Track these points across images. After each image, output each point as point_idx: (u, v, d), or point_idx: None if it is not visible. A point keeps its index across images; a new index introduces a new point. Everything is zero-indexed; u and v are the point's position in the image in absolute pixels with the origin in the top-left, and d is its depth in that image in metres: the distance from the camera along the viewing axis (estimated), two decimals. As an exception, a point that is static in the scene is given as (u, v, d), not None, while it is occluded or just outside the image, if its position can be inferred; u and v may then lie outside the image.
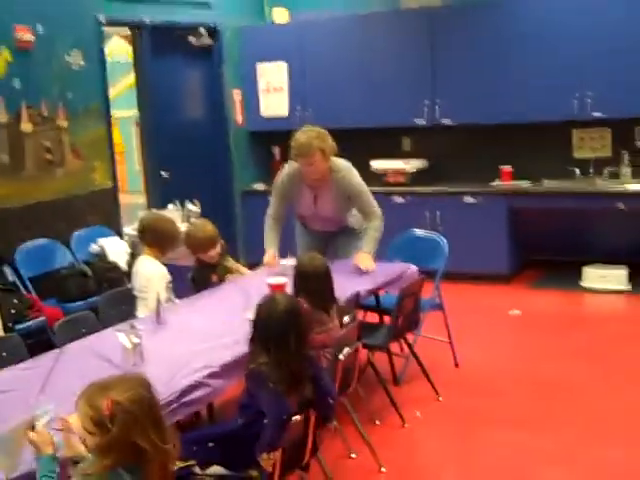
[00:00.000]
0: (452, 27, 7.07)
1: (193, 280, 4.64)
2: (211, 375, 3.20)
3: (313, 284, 3.69)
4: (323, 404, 3.09)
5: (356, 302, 4.37)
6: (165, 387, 3.00)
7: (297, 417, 2.89)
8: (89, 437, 2.13)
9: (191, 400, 3.08)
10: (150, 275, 4.26)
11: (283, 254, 4.97)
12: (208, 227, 4.63)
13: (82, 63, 6.04)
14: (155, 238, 4.39)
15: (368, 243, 4.82)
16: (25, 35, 5.51)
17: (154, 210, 6.36)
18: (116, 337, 3.33)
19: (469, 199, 6.98)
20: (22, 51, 5.53)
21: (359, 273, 4.63)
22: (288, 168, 4.91)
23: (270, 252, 4.86)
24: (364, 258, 4.72)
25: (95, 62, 6.19)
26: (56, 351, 3.50)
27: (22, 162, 5.60)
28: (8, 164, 5.46)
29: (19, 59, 5.51)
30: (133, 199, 7.08)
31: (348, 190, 4.79)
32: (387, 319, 4.74)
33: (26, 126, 5.59)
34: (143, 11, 6.63)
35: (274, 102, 7.80)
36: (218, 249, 4.64)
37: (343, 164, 4.84)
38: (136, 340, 3.24)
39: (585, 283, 6.76)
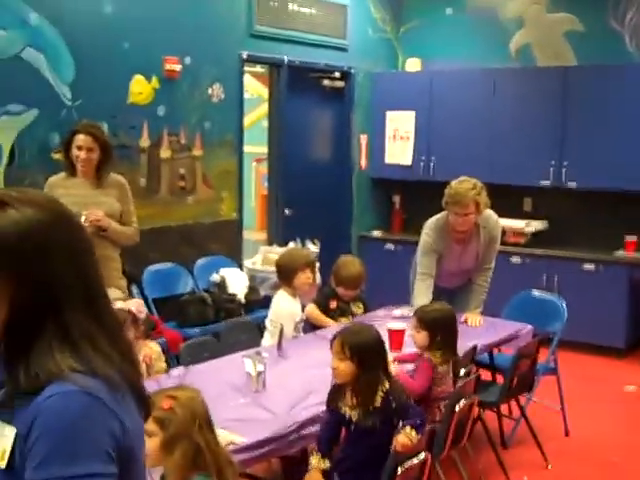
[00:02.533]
0: (585, 87, 6.97)
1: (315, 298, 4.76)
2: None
3: (445, 334, 3.72)
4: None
5: (472, 357, 4.33)
6: (285, 417, 3.06)
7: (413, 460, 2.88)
8: (151, 440, 2.21)
9: (309, 433, 3.12)
10: (280, 311, 4.35)
11: (398, 303, 5.02)
12: (358, 267, 4.74)
13: (222, 96, 6.26)
14: (282, 271, 4.49)
15: (477, 300, 4.80)
16: (173, 65, 5.75)
17: (275, 246, 6.49)
18: (241, 363, 3.41)
19: (589, 266, 6.83)
20: (169, 80, 5.78)
21: (478, 329, 4.60)
22: (435, 223, 4.87)
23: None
24: (475, 318, 4.70)
25: (233, 96, 6.40)
26: (181, 369, 3.61)
27: (157, 186, 5.82)
28: (145, 187, 5.69)
29: (165, 87, 5.76)
30: (246, 235, 7.24)
31: (491, 240, 4.77)
32: (500, 378, 4.68)
33: (165, 152, 5.82)
34: (283, 50, 6.83)
35: (399, 150, 7.87)
36: (355, 294, 4.75)
37: (492, 216, 4.82)
38: (260, 368, 3.30)
39: None
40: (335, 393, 3.11)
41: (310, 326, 4.68)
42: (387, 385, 3.04)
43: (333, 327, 4.56)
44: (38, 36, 4.95)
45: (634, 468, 4.49)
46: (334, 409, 3.08)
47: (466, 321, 4.68)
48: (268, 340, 4.24)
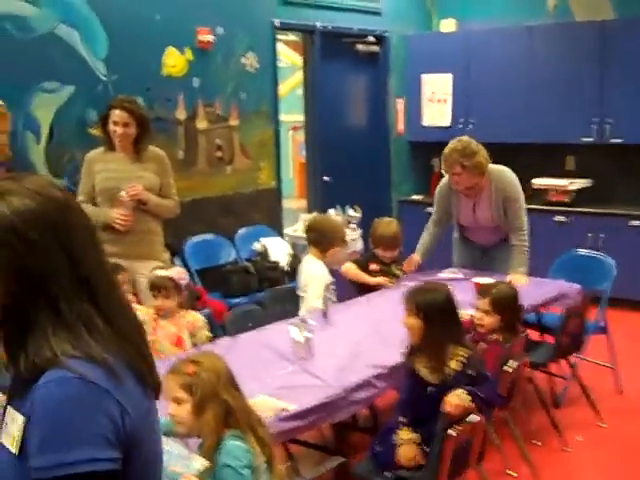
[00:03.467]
0: (625, 41, 6.79)
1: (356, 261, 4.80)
2: (379, 376, 3.20)
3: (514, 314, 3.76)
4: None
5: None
6: (334, 383, 3.04)
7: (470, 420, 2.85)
8: (181, 408, 2.27)
9: (359, 399, 3.10)
10: (311, 274, 4.33)
11: (441, 266, 4.98)
12: (394, 227, 4.78)
13: (256, 65, 6.21)
14: (318, 236, 4.46)
15: (520, 262, 4.73)
16: (206, 36, 5.71)
17: (315, 213, 6.45)
18: (287, 331, 3.39)
19: (635, 222, 6.69)
20: (202, 51, 5.74)
21: (524, 289, 4.53)
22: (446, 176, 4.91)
23: (413, 256, 4.92)
24: (519, 278, 4.64)
25: (267, 65, 6.35)
26: (228, 340, 3.61)
27: (195, 158, 5.82)
28: (183, 159, 5.68)
29: (199, 59, 5.73)
30: (286, 203, 7.26)
31: (506, 199, 4.74)
32: (549, 338, 4.62)
33: (201, 124, 5.81)
34: (315, 17, 6.75)
35: (436, 112, 7.76)
36: (396, 253, 4.76)
37: (503, 173, 4.77)
38: (308, 334, 3.28)
39: None
40: (411, 354, 3.10)
41: (352, 287, 4.68)
42: (466, 353, 3.02)
43: (380, 292, 4.55)
44: (71, 12, 4.94)
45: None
46: (411, 371, 3.06)
47: (510, 282, 4.62)
48: (305, 308, 4.21)
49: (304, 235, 4.71)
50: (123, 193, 4.11)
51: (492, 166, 4.76)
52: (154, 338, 3.57)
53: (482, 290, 3.89)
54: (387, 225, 4.82)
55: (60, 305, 1.25)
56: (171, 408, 2.30)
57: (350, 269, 4.72)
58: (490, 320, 3.70)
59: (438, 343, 3.02)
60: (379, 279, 4.66)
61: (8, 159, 3.96)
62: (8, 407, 1.26)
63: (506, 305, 3.72)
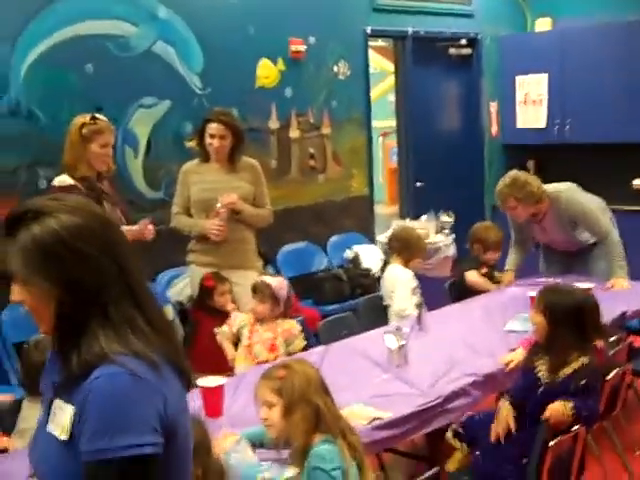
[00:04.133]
0: None
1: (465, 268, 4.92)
2: (474, 384, 3.18)
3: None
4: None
5: (621, 323, 4.16)
6: (429, 391, 3.04)
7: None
8: (272, 411, 2.31)
9: (453, 407, 3.09)
10: (396, 279, 4.35)
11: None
12: (498, 232, 4.97)
13: (347, 73, 6.25)
14: (401, 245, 4.53)
15: (618, 268, 4.63)
16: (298, 46, 5.79)
17: (407, 220, 6.45)
18: (380, 338, 3.41)
19: None
20: (294, 61, 5.82)
21: (626, 293, 4.43)
22: None
23: (509, 272, 4.95)
24: (621, 282, 4.56)
25: (359, 72, 6.38)
26: (322, 348, 3.64)
27: (288, 167, 5.90)
28: (275, 168, 5.77)
29: (291, 69, 5.81)
30: (376, 209, 7.29)
31: (572, 218, 4.72)
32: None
33: (294, 133, 5.89)
34: (407, 22, 6.75)
35: (531, 114, 7.63)
36: (499, 254, 4.90)
37: (562, 194, 4.73)
38: (402, 342, 3.29)
39: None
40: (533, 352, 3.15)
41: (453, 298, 4.71)
42: (586, 360, 2.99)
43: (475, 298, 4.54)
44: (168, 29, 5.10)
45: None
46: (530, 368, 3.09)
47: (613, 286, 4.53)
48: (392, 316, 4.24)
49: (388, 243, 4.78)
50: (219, 204, 4.20)
51: (550, 189, 4.75)
52: (250, 342, 3.66)
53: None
54: (489, 228, 5.00)
55: (109, 310, 1.38)
56: (263, 412, 2.35)
57: (476, 279, 4.83)
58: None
59: (560, 345, 3.02)
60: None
61: (112, 172, 4.12)
62: (56, 401, 1.39)
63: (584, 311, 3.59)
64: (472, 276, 4.83)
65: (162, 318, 1.49)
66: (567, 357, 3.00)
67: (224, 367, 3.61)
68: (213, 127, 4.26)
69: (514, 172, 4.84)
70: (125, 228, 3.84)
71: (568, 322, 3.05)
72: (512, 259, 5.03)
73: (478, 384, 3.20)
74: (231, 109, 4.85)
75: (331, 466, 2.21)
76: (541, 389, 2.99)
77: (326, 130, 6.14)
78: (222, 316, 4.01)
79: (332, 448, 2.25)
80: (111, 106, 4.72)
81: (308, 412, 2.29)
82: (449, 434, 3.14)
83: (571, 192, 4.80)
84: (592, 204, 4.81)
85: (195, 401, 2.76)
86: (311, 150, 6.05)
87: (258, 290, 3.72)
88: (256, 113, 5.60)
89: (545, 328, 3.06)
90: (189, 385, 1.51)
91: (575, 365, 2.97)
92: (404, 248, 4.51)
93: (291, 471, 2.23)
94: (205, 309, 4.19)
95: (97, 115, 3.93)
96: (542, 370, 3.04)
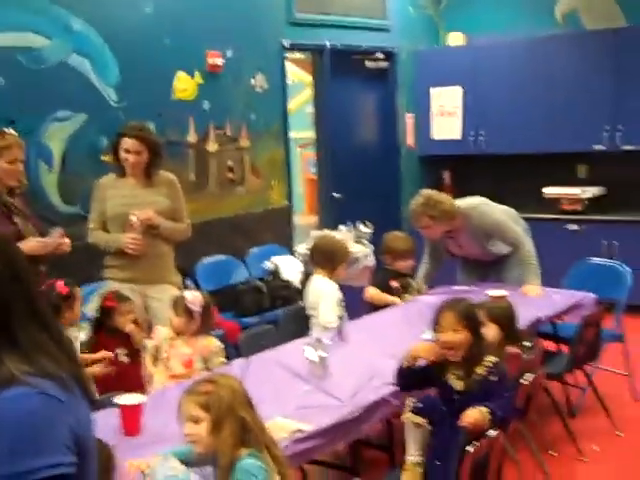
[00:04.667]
0: (636, 48, 6.82)
1: (373, 281, 4.91)
2: (395, 394, 3.22)
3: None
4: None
5: (536, 329, 4.29)
6: (350, 401, 3.06)
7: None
8: (199, 426, 2.29)
9: (375, 417, 3.13)
10: (321, 292, 4.35)
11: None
12: (408, 240, 4.97)
13: (265, 86, 6.28)
14: (325, 258, 4.48)
15: (531, 274, 4.78)
16: (216, 59, 5.79)
17: (325, 230, 6.48)
18: (301, 350, 3.42)
19: (650, 229, 6.70)
20: (212, 75, 5.81)
21: (539, 299, 4.57)
22: None
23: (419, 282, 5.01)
24: (533, 289, 4.70)
25: (277, 85, 6.42)
26: (242, 361, 3.64)
27: (206, 180, 5.88)
28: (194, 182, 5.74)
29: (209, 82, 5.80)
30: (295, 220, 7.33)
31: (486, 231, 4.84)
32: (564, 348, 4.62)
33: (212, 146, 5.87)
34: (324, 35, 6.81)
35: (446, 126, 7.80)
36: (411, 262, 4.89)
37: (474, 209, 4.86)
38: (323, 354, 3.31)
39: None
40: (441, 367, 3.07)
41: (371, 308, 4.71)
42: (493, 359, 3.04)
43: (394, 308, 4.59)
44: (82, 41, 5.03)
45: None
46: (441, 381, 3.06)
47: (526, 293, 4.66)
48: (316, 328, 4.23)
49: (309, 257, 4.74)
50: (134, 218, 4.15)
51: (463, 205, 4.86)
52: (167, 356, 3.63)
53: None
54: (399, 237, 4.99)
55: (16, 334, 1.36)
56: (187, 428, 2.33)
57: (375, 294, 4.79)
58: (489, 333, 3.61)
59: (479, 354, 3.04)
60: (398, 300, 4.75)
61: (24, 187, 4.04)
62: None
63: (503, 315, 3.69)
64: (371, 292, 4.80)
65: (66, 338, 1.49)
66: (482, 358, 3.03)
67: (125, 387, 3.49)
68: (128, 142, 4.20)
69: (426, 191, 4.92)
70: (40, 240, 3.77)
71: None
72: (424, 270, 5.11)
73: (399, 393, 3.23)
74: (148, 122, 4.82)
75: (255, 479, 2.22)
76: (457, 396, 3.01)
77: (244, 143, 6.14)
78: (123, 336, 3.96)
79: (257, 462, 2.25)
80: (24, 120, 4.63)
81: (236, 426, 2.28)
82: (407, 414, 3.04)
83: (483, 206, 4.92)
84: (504, 215, 4.95)
85: (108, 419, 2.73)
86: (229, 163, 6.05)
87: (174, 304, 3.70)
88: (174, 126, 5.57)
89: (469, 340, 3.02)
90: (92, 404, 1.51)
91: (486, 363, 3.00)
92: (327, 260, 4.44)
93: None
94: (105, 329, 4.03)
95: (5, 130, 3.85)
96: (453, 380, 3.03)
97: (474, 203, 4.93)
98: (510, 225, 4.89)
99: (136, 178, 4.29)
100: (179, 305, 3.66)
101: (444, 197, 4.85)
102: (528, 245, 4.85)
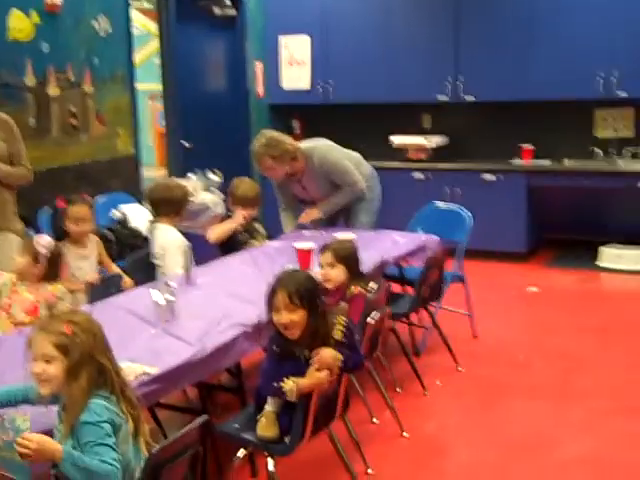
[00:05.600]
0: (478, 1, 7.04)
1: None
2: (244, 335, 3.23)
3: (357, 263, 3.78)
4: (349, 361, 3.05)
5: (382, 270, 4.40)
6: (198, 343, 3.04)
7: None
8: (52, 366, 2.21)
9: (224, 359, 3.12)
10: (166, 243, 4.29)
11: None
12: (254, 186, 4.94)
13: (109, 30, 6.05)
14: (164, 207, 4.41)
15: (325, 204, 4.98)
16: (53, -1, 5.51)
17: (162, 178, 6.40)
18: (149, 295, 3.36)
19: (489, 177, 6.99)
20: (50, 14, 5.52)
21: (385, 242, 4.68)
22: None
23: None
24: (311, 211, 4.99)
25: (121, 30, 6.19)
26: (88, 307, 3.54)
27: (48, 126, 5.61)
28: (35, 127, 5.48)
29: (47, 22, 5.51)
30: (146, 172, 7.18)
31: (326, 172, 4.93)
32: (410, 290, 4.78)
33: (53, 90, 5.60)
34: (169, -21, 6.62)
35: (296, 75, 7.80)
36: (254, 211, 4.86)
37: (317, 149, 4.96)
38: (170, 297, 3.27)
39: (601, 263, 6.79)
40: (292, 346, 2.92)
41: (215, 248, 4.72)
42: (343, 321, 2.98)
43: (243, 252, 4.58)
44: None
45: (538, 364, 4.69)
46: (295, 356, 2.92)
47: (307, 215, 5.00)
48: (161, 277, 4.17)
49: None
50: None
51: (305, 146, 4.95)
52: (10, 302, 3.50)
53: (302, 259, 4.02)
54: (247, 184, 4.94)
55: None
56: (38, 367, 2.23)
57: (217, 231, 4.77)
58: (336, 272, 3.68)
59: (324, 326, 2.92)
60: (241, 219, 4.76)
61: None
62: None
63: (348, 254, 3.73)
64: (214, 233, 4.74)
65: None
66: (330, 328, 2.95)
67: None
68: None
69: (267, 131, 4.96)
70: None
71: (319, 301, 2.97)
72: (286, 223, 5.14)
73: (247, 335, 3.24)
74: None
75: (100, 419, 2.17)
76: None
77: (88, 88, 5.91)
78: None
79: (102, 402, 2.21)
80: None
81: (93, 372, 2.22)
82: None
83: (325, 148, 4.98)
84: (345, 158, 5.02)
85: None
86: (72, 109, 5.80)
87: (22, 245, 3.60)
88: (9, 68, 5.26)
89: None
90: None
91: (340, 327, 2.95)
92: (166, 207, 4.37)
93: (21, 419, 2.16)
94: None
95: None
96: (308, 353, 2.90)
97: (316, 145, 4.98)
98: (346, 165, 4.96)
99: (-32, 119, 4.06)
100: (27, 246, 3.58)
101: (286, 137, 4.90)
102: (362, 185, 4.98)
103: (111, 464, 2.11)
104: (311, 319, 2.88)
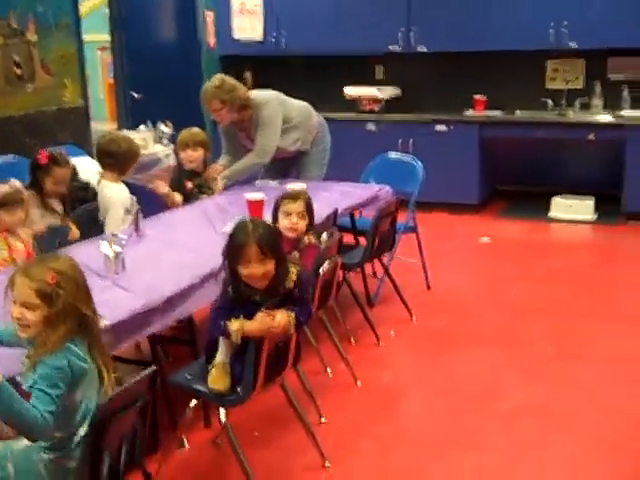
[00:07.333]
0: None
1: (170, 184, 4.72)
2: (194, 286, 3.20)
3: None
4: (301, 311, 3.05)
5: (333, 221, 4.38)
6: (149, 295, 3.01)
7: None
8: (32, 313, 2.19)
9: (174, 310, 3.09)
10: (109, 200, 4.18)
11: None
12: (200, 133, 4.85)
13: (52, -25, 5.86)
14: (111, 160, 4.29)
15: (228, 170, 4.87)
16: (-9, -59, 5.31)
17: (114, 130, 6.28)
18: (97, 247, 3.31)
19: (441, 127, 6.99)
20: (-12, -42, 5.34)
21: (336, 193, 4.66)
22: None
23: (216, 165, 4.95)
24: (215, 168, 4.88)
25: (66, -24, 6.00)
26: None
27: (-9, 75, 5.46)
28: (-23, 77, 5.33)
29: (-15, -33, 5.33)
30: (97, 126, 7.03)
31: (260, 122, 4.86)
32: (362, 241, 4.77)
33: (-5, 38, 5.44)
34: None
35: (248, 25, 7.67)
36: (200, 153, 4.75)
37: (264, 101, 4.88)
38: (118, 249, 3.22)
39: (553, 213, 6.86)
40: (246, 291, 2.88)
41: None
42: (296, 269, 2.95)
43: (196, 203, 4.52)
44: None
45: (489, 314, 4.75)
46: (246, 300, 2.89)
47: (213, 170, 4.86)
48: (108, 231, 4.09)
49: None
50: None
51: (255, 96, 4.88)
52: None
53: (253, 209, 3.96)
54: (192, 131, 4.84)
55: None
56: (18, 311, 2.19)
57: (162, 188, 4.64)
58: (304, 223, 3.67)
59: (285, 274, 2.90)
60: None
61: None
62: None
63: (310, 207, 3.73)
64: (160, 187, 4.62)
65: None
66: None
67: None
68: None
69: (221, 75, 4.88)
70: None
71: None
72: (224, 163, 5.03)
73: (198, 286, 3.23)
74: None
75: (59, 364, 2.14)
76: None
77: (32, 37, 5.73)
78: None
79: (72, 347, 2.19)
80: None
81: (73, 321, 2.20)
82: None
83: (274, 100, 4.91)
84: (296, 110, 4.96)
85: None
86: (16, 57, 5.63)
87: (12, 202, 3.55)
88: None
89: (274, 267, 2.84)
90: None
91: (292, 276, 2.92)
92: (114, 162, 4.25)
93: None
94: None
95: None
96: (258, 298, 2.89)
97: (267, 96, 4.91)
98: (271, 131, 4.87)
99: None
100: (14, 199, 3.54)
101: (239, 85, 4.83)
102: (269, 151, 4.90)
103: (42, 414, 2.07)
104: (279, 269, 2.87)
